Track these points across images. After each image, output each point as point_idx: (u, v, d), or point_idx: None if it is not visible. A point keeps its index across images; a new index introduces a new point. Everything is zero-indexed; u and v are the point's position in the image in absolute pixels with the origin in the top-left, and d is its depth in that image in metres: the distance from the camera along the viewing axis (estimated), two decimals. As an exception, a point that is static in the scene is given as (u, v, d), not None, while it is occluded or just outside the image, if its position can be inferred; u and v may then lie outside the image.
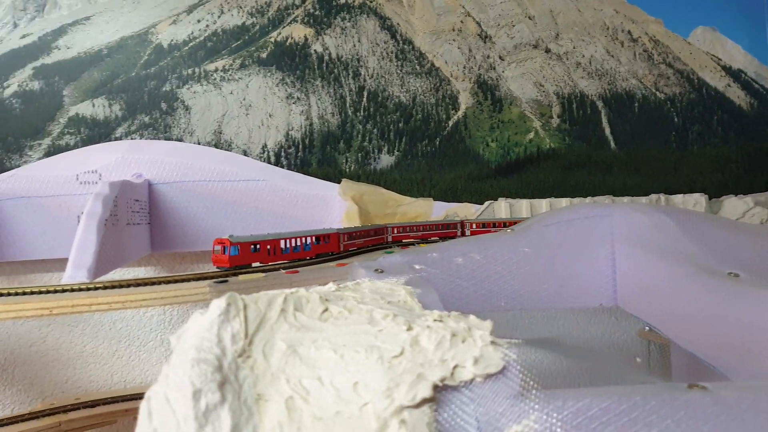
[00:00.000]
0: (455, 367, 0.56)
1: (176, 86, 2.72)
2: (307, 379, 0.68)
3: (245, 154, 2.79)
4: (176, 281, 1.52)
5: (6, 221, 2.42)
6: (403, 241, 2.33)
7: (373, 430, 0.55)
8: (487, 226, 2.42)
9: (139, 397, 2.46)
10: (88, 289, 1.45)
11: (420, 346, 0.61)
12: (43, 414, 2.22)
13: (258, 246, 1.79)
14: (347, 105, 2.89)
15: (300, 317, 0.76)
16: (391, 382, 0.58)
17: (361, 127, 2.90)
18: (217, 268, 1.73)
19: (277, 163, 2.82)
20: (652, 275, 1.00)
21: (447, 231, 2.42)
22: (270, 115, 2.81)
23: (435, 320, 0.68)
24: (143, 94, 2.69)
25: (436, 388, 0.55)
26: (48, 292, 1.44)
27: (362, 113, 2.90)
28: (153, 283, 1.51)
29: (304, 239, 1.92)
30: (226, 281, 1.52)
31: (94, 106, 2.65)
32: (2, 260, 2.45)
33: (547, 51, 3.10)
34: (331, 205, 2.68)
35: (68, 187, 2.44)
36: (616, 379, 0.59)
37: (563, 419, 0.49)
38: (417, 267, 1.00)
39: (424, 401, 0.55)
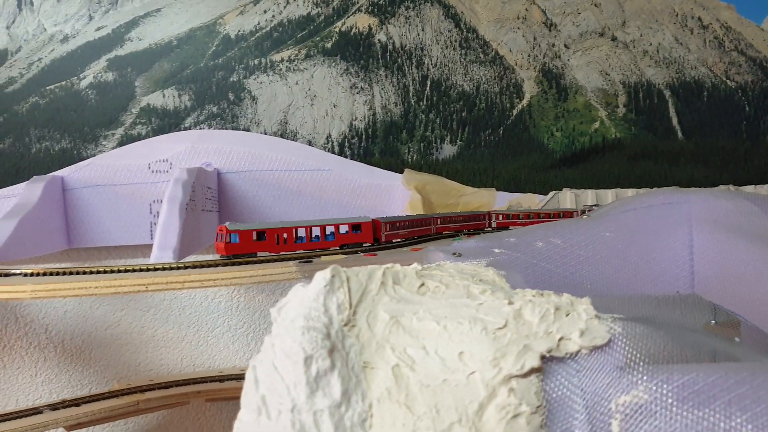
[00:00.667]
0: (560, 339, 0.57)
1: (243, 76, 2.78)
2: (411, 348, 0.69)
3: (310, 144, 2.85)
4: (263, 261, 1.55)
5: (82, 208, 2.51)
6: (444, 232, 2.20)
7: (481, 397, 0.56)
8: (512, 218, 2.31)
9: (209, 380, 2.53)
10: (179, 267, 1.50)
11: (523, 319, 0.61)
12: (122, 393, 2.30)
13: (264, 234, 1.71)
14: (410, 94, 2.88)
15: (399, 290, 0.77)
16: (497, 353, 0.59)
17: (423, 116, 2.89)
18: (220, 256, 1.70)
19: (341, 153, 2.85)
20: (736, 261, 0.97)
21: (476, 222, 2.26)
22: (334, 105, 2.83)
23: (534, 296, 0.67)
24: (211, 84, 2.75)
25: (542, 358, 0.56)
26: (143, 270, 1.49)
27: (425, 103, 2.90)
28: (241, 263, 1.54)
29: (324, 228, 1.80)
30: (311, 261, 1.54)
31: (164, 96, 2.74)
32: (78, 246, 2.54)
33: (614, 39, 3.02)
34: (394, 195, 2.69)
35: (140, 175, 2.52)
36: (721, 356, 0.56)
37: (672, 390, 0.49)
38: (496, 251, 1.00)
39: (532, 371, 0.56)
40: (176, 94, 2.40)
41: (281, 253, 1.70)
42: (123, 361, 2.76)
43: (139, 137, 2.53)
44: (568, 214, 2.29)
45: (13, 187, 2.40)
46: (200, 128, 2.58)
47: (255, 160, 2.59)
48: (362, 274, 0.82)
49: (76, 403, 2.19)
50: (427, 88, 2.54)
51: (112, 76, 2.37)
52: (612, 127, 2.81)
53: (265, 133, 2.65)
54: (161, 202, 2.50)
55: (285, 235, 1.72)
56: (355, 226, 1.84)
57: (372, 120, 2.54)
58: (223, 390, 2.53)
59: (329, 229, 1.81)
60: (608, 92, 2.80)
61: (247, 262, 1.56)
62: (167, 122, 2.41)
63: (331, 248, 1.77)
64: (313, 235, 1.76)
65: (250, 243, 1.68)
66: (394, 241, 1.93)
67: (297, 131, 2.54)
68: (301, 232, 1.75)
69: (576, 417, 0.52)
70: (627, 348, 0.52)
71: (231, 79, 2.43)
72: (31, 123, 2.36)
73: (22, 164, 2.43)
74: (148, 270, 1.49)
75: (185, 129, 2.54)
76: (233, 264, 1.54)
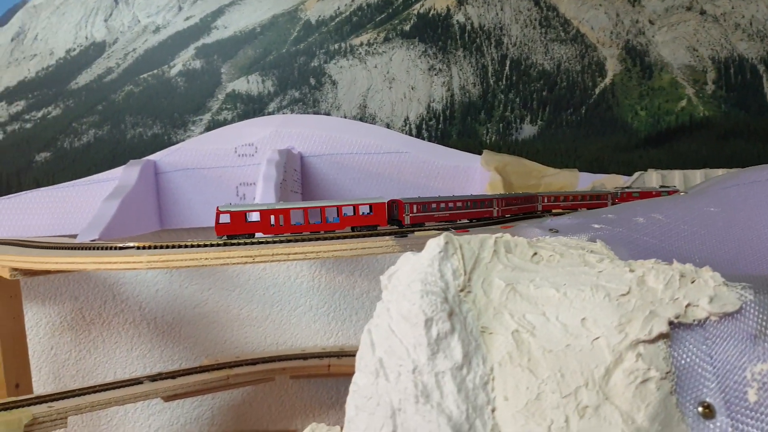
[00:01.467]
0: (688, 305, 0.55)
1: (324, 61, 2.79)
2: (531, 314, 0.69)
3: (388, 127, 2.82)
4: (360, 236, 1.58)
5: (173, 191, 2.60)
6: (507, 216, 2.03)
7: (608, 362, 0.56)
8: (566, 200, 2.13)
9: (293, 357, 2.58)
10: (281, 241, 1.54)
11: (647, 286, 0.61)
12: (212, 368, 2.38)
13: (258, 215, 1.66)
14: (489, 75, 2.83)
15: (512, 258, 0.76)
16: (622, 318, 0.59)
17: (502, 96, 2.84)
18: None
19: (419, 136, 2.83)
20: None
21: (529, 205, 2.07)
22: (412, 88, 2.81)
23: (654, 264, 0.65)
24: (293, 69, 2.78)
25: (670, 324, 0.55)
26: (249, 243, 1.53)
27: (504, 82, 2.84)
28: (339, 238, 1.57)
29: (324, 211, 1.69)
30: (406, 236, 1.55)
31: (248, 82, 2.78)
32: (170, 227, 2.63)
33: (702, 13, 2.87)
34: (472, 176, 2.65)
35: (227, 159, 2.58)
36: None
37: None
38: (596, 226, 0.97)
39: (660, 336, 0.55)
40: (260, 80, 2.44)
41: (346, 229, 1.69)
42: (210, 338, 2.88)
43: (225, 122, 2.61)
44: (603, 197, 2.17)
45: (111, 171, 2.53)
46: (283, 113, 2.64)
47: (335, 143, 2.62)
48: (474, 242, 0.82)
49: (172, 375, 2.29)
50: (507, 68, 2.48)
51: (200, 63, 2.44)
52: (700, 105, 2.67)
53: (345, 117, 2.67)
54: (247, 185, 2.59)
55: (281, 217, 1.66)
56: (366, 208, 1.72)
57: (450, 101, 2.50)
58: (306, 368, 2.58)
59: (331, 212, 1.70)
60: (696, 69, 2.66)
61: (345, 236, 1.58)
62: (251, 107, 2.46)
63: (335, 230, 1.68)
64: (312, 219, 1.67)
65: (242, 224, 1.65)
66: (416, 224, 1.76)
67: (375, 114, 2.53)
68: (297, 215, 1.67)
69: (707, 385, 0.50)
70: (760, 316, 0.50)
71: (312, 65, 2.45)
72: (126, 110, 2.47)
73: (118, 150, 2.54)
74: (254, 243, 1.54)
75: (269, 114, 2.60)
76: (333, 239, 1.56)
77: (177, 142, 2.70)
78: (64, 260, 1.49)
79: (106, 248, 1.61)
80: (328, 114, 2.82)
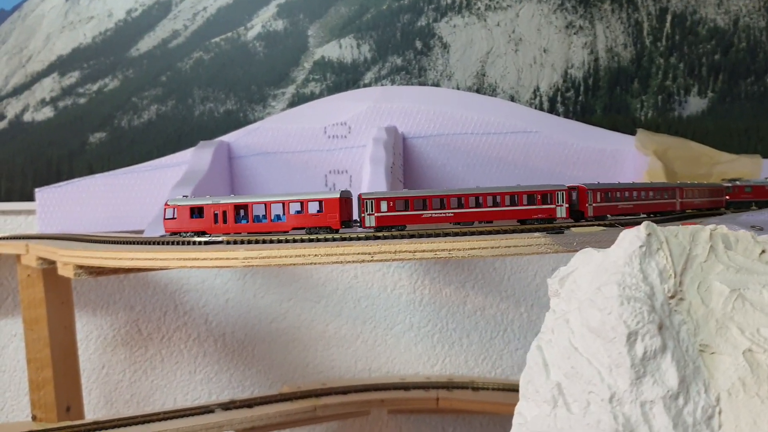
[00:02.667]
0: None
1: (433, 20, 2.74)
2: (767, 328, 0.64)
3: (513, 100, 2.75)
4: (500, 231, 1.52)
5: (250, 179, 2.59)
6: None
7: None
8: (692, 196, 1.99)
9: (393, 387, 2.53)
10: (402, 237, 1.52)
11: None
12: (296, 396, 2.34)
13: (201, 211, 1.69)
14: (644, 33, 2.72)
15: (734, 257, 0.72)
16: None
17: (662, 61, 2.71)
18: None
19: (552, 110, 2.74)
20: None
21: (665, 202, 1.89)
22: (544, 51, 2.73)
23: None
24: (395, 31, 2.75)
25: None
26: (365, 238, 1.51)
27: (664, 43, 2.71)
28: (474, 233, 1.52)
29: (271, 206, 1.66)
30: (561, 232, 1.49)
31: (341, 47, 2.75)
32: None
33: None
34: (622, 162, 2.55)
35: (315, 141, 2.57)
36: None
37: None
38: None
39: None
40: (354, 44, 2.41)
41: (462, 225, 1.64)
42: (289, 360, 2.87)
43: (312, 96, 2.61)
44: (718, 192, 2.03)
45: (178, 154, 2.53)
46: (382, 85, 2.63)
47: (446, 121, 2.57)
48: (683, 236, 0.77)
49: (248, 404, 2.26)
50: (667, 25, 2.35)
51: (283, 24, 2.43)
52: None
53: (458, 89, 2.63)
54: (338, 172, 2.57)
55: (224, 213, 1.67)
56: (316, 204, 1.64)
57: (593, 67, 2.39)
58: (409, 400, 2.53)
59: (276, 209, 1.67)
60: None
61: (480, 233, 1.52)
62: (344, 78, 2.44)
63: (282, 231, 1.66)
64: (255, 214, 1.66)
65: (187, 221, 1.70)
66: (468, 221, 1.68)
67: (497, 85, 2.46)
68: (241, 212, 1.67)
69: None
70: None
71: (418, 24, 2.40)
72: (195, 82, 2.49)
73: (184, 129, 2.57)
74: (368, 238, 1.51)
75: (364, 86, 2.60)
76: (472, 233, 1.51)
77: (255, 121, 2.70)
78: (143, 256, 1.47)
79: (188, 243, 1.62)
80: (437, 85, 2.77)
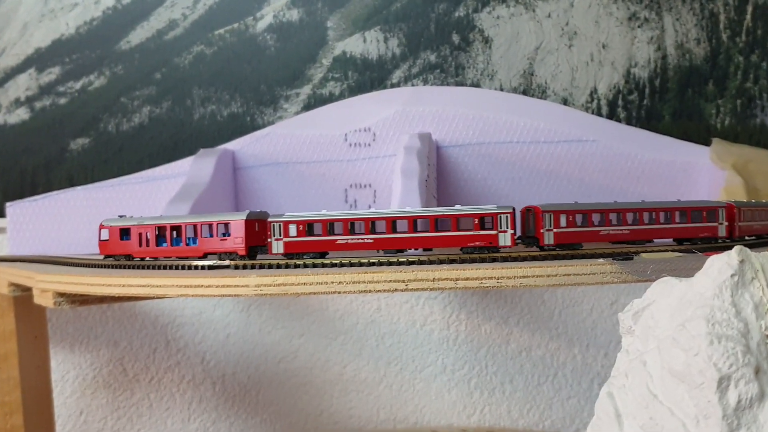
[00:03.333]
0: None
1: (473, 10, 2.73)
2: None
3: (566, 104, 2.73)
4: (557, 257, 1.51)
5: (258, 192, 2.59)
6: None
7: None
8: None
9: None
10: (442, 261, 1.51)
11: None
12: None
13: (128, 233, 1.79)
14: (721, 27, 2.69)
15: None
16: None
17: (741, 59, 2.68)
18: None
19: (612, 116, 2.73)
20: None
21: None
22: (603, 46, 2.71)
23: None
24: (429, 22, 2.74)
25: None
26: (397, 263, 1.50)
27: (744, 38, 2.69)
28: (525, 259, 1.50)
29: (185, 228, 1.73)
30: (631, 258, 1.46)
31: (365, 41, 2.74)
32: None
33: None
34: (695, 176, 2.53)
35: (334, 150, 2.57)
36: None
37: None
38: None
39: None
40: (381, 37, 2.40)
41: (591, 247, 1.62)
42: (299, 407, 2.84)
43: (331, 98, 2.61)
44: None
45: (174, 164, 2.53)
46: (413, 85, 2.63)
47: (487, 127, 2.55)
48: None
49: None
50: (748, 17, 2.32)
51: (298, 14, 2.42)
52: None
53: (502, 90, 2.63)
54: (361, 186, 2.55)
55: (147, 235, 1.75)
56: (224, 227, 1.69)
57: (661, 66, 2.38)
58: (442, 457, 2.49)
59: (189, 231, 1.73)
60: None
61: (543, 257, 1.50)
62: (368, 77, 2.42)
63: (195, 256, 1.70)
64: (174, 237, 1.72)
65: (117, 243, 1.80)
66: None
67: (547, 85, 2.45)
68: (159, 233, 1.73)
69: None
70: None
71: (456, 15, 2.38)
72: (195, 80, 2.47)
73: (181, 135, 2.54)
74: (403, 263, 1.49)
75: (392, 86, 2.59)
76: (524, 259, 1.49)
77: (264, 126, 2.69)
78: (136, 282, 1.44)
79: (188, 268, 1.60)
80: (476, 86, 2.75)
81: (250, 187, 2.59)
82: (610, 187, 2.53)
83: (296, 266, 1.51)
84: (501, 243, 1.61)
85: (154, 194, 2.50)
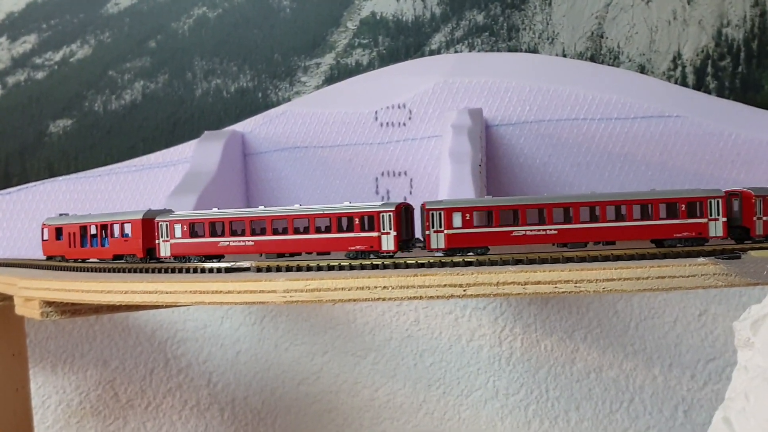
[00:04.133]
0: None
1: (529, -42, 2.73)
2: None
3: (643, 72, 2.71)
4: (644, 257, 1.49)
5: (274, 183, 2.60)
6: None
7: None
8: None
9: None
10: (505, 263, 1.50)
11: None
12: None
13: (62, 232, 1.97)
14: (835, -26, 2.66)
15: None
16: None
17: None
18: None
19: (700, 87, 2.71)
20: None
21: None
22: (688, 1, 2.70)
23: None
24: (476, -24, 2.73)
25: None
26: (454, 264, 1.50)
27: None
28: (606, 259, 1.49)
29: (100, 228, 1.89)
30: (739, 257, 1.43)
31: (398, 0, 2.73)
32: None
33: None
34: None
35: (362, 131, 2.57)
36: None
37: None
38: None
39: None
40: (418, -5, 2.45)
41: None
42: None
43: (358, 69, 2.61)
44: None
45: (174, 149, 2.54)
46: (456, 51, 2.63)
47: (547, 102, 2.54)
48: None
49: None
50: None
51: (317, -33, 2.48)
52: None
53: (564, 56, 2.62)
54: (395, 174, 2.55)
55: (74, 234, 1.92)
56: (123, 227, 1.84)
57: (759, 25, 2.35)
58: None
59: (102, 230, 1.89)
60: None
61: (629, 257, 1.49)
62: (403, 43, 2.41)
63: (105, 258, 1.89)
64: (93, 236, 1.87)
65: (54, 243, 1.99)
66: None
67: (619, 50, 2.43)
68: (93, 231, 1.88)
69: None
70: None
71: (508, -37, 2.44)
72: (196, 49, 2.48)
73: (181, 114, 2.54)
74: (458, 264, 1.49)
75: (431, 53, 2.60)
76: (606, 259, 1.48)
77: (279, 103, 2.70)
78: (142, 288, 1.44)
79: (200, 271, 1.62)
80: (534, 51, 2.75)
81: (263, 176, 2.60)
82: (698, 173, 2.51)
83: (330, 268, 1.52)
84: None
85: (149, 185, 2.52)
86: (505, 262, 1.51)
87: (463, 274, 1.38)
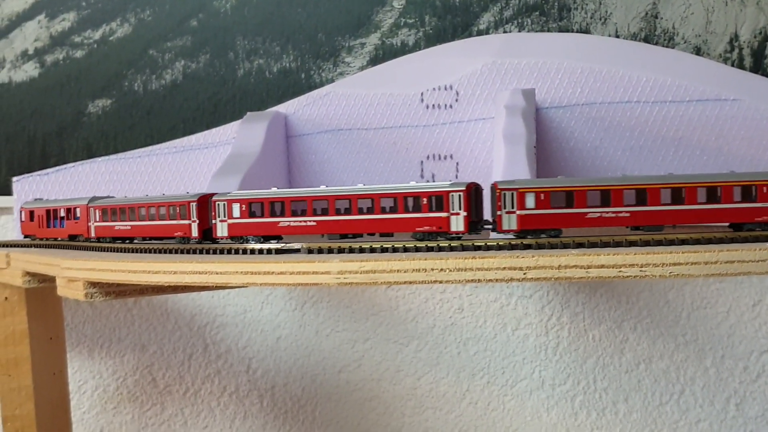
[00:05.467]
0: None
1: (581, -66, 2.70)
2: None
3: (698, 53, 2.68)
4: (711, 241, 1.47)
5: (316, 166, 2.59)
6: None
7: None
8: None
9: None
10: (566, 246, 1.48)
11: None
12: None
13: (33, 214, 2.25)
14: None
15: None
16: None
17: None
18: None
19: (758, 69, 2.67)
20: None
21: None
22: (747, -20, 2.64)
23: None
24: (526, -47, 2.70)
25: None
26: (512, 246, 1.48)
27: None
28: (672, 242, 1.47)
29: (58, 210, 2.10)
30: None
31: (446, -23, 2.72)
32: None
33: None
34: None
35: (408, 113, 2.55)
36: None
37: None
38: None
39: None
40: (466, -29, 2.43)
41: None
42: (364, 426, 2.86)
43: (404, 50, 2.60)
44: None
45: (215, 130, 2.53)
46: (505, 31, 2.62)
47: (599, 84, 2.51)
48: None
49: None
50: None
51: (363, -56, 2.47)
52: None
53: (618, 36, 2.60)
54: (441, 158, 2.53)
55: (41, 215, 2.19)
56: (72, 211, 2.12)
57: None
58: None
59: (62, 211, 2.14)
60: None
61: (695, 240, 1.47)
62: (450, 22, 2.38)
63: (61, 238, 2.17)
64: (58, 217, 2.15)
65: (29, 224, 2.29)
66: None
67: (675, 31, 2.39)
68: (54, 214, 2.09)
69: None
70: None
71: (563, -61, 2.42)
72: (238, 28, 2.46)
73: (222, 95, 2.52)
74: (517, 246, 1.48)
75: (479, 33, 2.57)
76: (671, 242, 1.47)
77: (322, 84, 2.69)
78: (192, 268, 1.43)
79: (249, 252, 1.63)
80: (585, 32, 2.72)
81: (306, 158, 2.58)
82: (755, 159, 2.46)
83: (384, 250, 1.51)
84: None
85: (190, 166, 2.51)
86: (565, 245, 1.49)
87: (524, 257, 1.36)
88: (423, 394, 2.83)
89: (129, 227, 1.91)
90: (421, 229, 1.61)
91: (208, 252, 1.67)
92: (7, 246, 2.29)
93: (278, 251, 1.59)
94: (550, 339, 2.78)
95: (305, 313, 2.81)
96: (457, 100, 2.52)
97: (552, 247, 1.49)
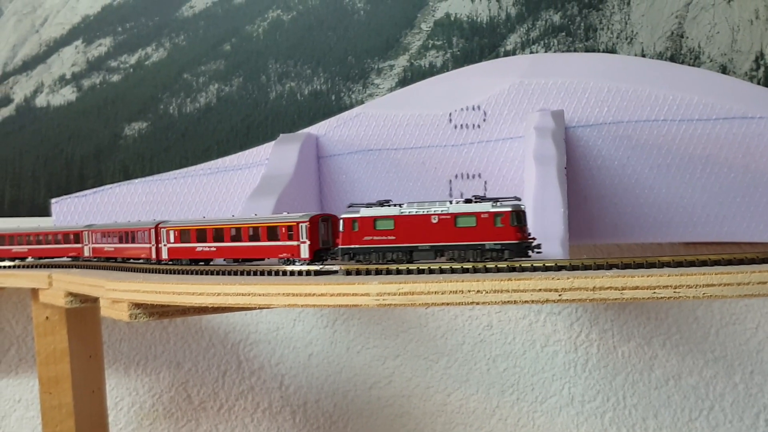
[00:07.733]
0: None
1: (607, -44, 2.70)
2: None
3: (725, 72, 2.67)
4: (744, 261, 1.49)
5: (347, 186, 2.58)
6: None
7: None
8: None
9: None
10: (600, 267, 1.50)
11: None
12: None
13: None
14: None
15: None
16: None
17: None
18: None
19: None
20: None
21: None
22: (774, 0, 2.64)
23: None
24: (552, -27, 2.72)
25: None
26: (546, 268, 1.50)
27: None
28: (704, 263, 1.49)
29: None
30: None
31: (473, 0, 2.72)
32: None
33: None
34: None
35: (436, 133, 2.55)
36: None
37: None
38: None
39: None
40: (493, -5, 2.46)
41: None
42: None
43: (432, 71, 2.60)
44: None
45: (249, 152, 2.53)
46: (532, 52, 2.62)
47: (625, 103, 2.49)
48: None
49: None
50: None
51: (392, -31, 2.50)
52: None
53: (644, 55, 2.60)
54: (469, 177, 2.53)
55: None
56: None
57: None
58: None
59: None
60: None
61: (727, 261, 1.49)
62: (477, 44, 2.40)
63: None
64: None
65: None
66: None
67: (701, 50, 2.40)
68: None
69: None
70: None
71: (585, -38, 2.44)
72: (270, 52, 2.50)
73: (255, 117, 2.57)
74: (551, 268, 1.49)
75: (506, 54, 2.58)
76: (703, 263, 1.48)
77: (352, 106, 2.70)
78: (234, 290, 1.47)
79: (289, 273, 1.66)
80: (612, 51, 2.72)
81: (336, 178, 2.58)
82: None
83: (420, 271, 1.53)
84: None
85: (224, 188, 2.52)
86: (599, 266, 1.50)
87: (559, 279, 1.38)
88: (453, 411, 2.83)
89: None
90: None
91: (253, 274, 1.71)
92: (48, 267, 2.31)
93: (317, 273, 1.62)
94: (579, 355, 2.78)
95: (336, 330, 2.83)
96: (485, 120, 2.51)
97: (586, 268, 1.50)
